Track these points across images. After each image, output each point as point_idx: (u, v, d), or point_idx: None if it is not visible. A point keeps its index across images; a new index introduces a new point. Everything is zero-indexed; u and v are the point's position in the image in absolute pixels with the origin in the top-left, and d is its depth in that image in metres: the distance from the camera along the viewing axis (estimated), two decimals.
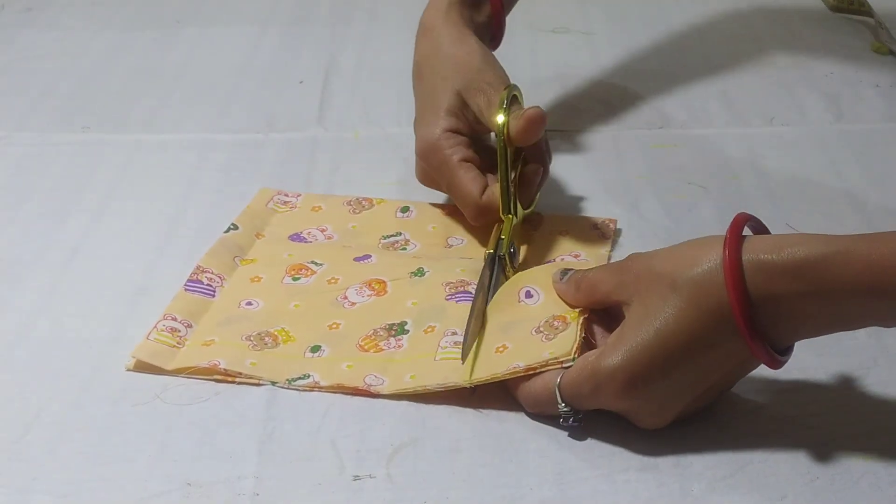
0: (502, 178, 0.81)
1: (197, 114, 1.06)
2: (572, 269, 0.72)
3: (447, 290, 0.77)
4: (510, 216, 0.81)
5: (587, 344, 0.68)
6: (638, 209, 0.90)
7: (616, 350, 0.64)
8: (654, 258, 0.67)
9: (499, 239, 0.79)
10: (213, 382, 0.72)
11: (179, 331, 0.75)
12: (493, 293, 0.75)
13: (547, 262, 0.82)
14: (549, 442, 0.67)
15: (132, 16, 1.29)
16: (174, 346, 0.74)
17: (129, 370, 0.73)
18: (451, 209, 0.88)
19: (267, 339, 0.75)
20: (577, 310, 0.70)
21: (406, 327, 0.75)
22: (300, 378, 0.72)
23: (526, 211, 0.83)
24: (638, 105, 1.06)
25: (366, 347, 0.74)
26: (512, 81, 0.85)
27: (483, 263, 0.78)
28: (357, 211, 0.90)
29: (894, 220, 0.88)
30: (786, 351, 0.65)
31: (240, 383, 0.72)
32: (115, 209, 0.91)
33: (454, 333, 0.73)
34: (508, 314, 0.73)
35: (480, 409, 0.69)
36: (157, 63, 1.18)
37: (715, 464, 0.65)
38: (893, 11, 1.22)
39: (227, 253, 0.83)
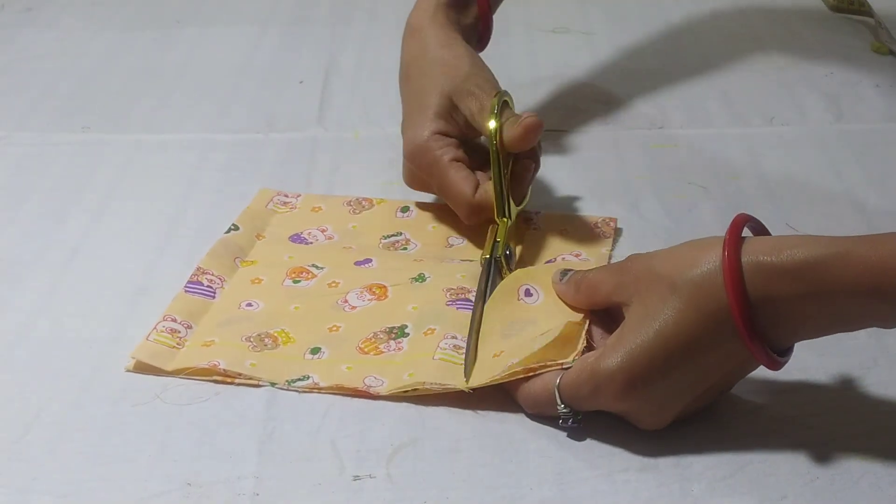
0: (496, 182, 0.81)
1: (197, 114, 1.06)
2: (572, 270, 0.72)
3: (448, 295, 0.77)
4: (505, 219, 0.80)
5: (587, 346, 0.68)
6: (638, 209, 0.90)
7: (615, 351, 0.64)
8: (653, 259, 0.67)
9: (494, 242, 0.79)
10: (212, 383, 0.72)
11: (179, 332, 0.75)
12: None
13: (547, 262, 0.82)
14: (549, 442, 0.67)
15: (132, 16, 1.29)
16: (174, 346, 0.74)
17: (128, 371, 0.73)
18: (451, 209, 0.88)
19: (267, 340, 0.75)
20: (578, 320, 0.69)
21: (406, 330, 0.75)
22: (300, 379, 0.72)
23: (519, 207, 0.83)
24: (638, 105, 1.06)
25: (366, 350, 0.74)
26: (506, 85, 0.85)
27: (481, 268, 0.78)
28: (357, 211, 0.90)
29: (894, 220, 0.88)
30: (785, 352, 0.65)
31: (239, 384, 0.72)
32: (115, 209, 0.91)
33: (454, 337, 0.73)
34: (507, 313, 0.73)
35: (480, 410, 0.69)
36: (157, 63, 1.18)
37: (715, 464, 0.65)
38: (893, 11, 1.22)
39: (227, 254, 0.83)
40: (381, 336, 0.75)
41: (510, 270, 0.78)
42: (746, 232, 0.66)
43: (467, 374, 0.70)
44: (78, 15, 1.29)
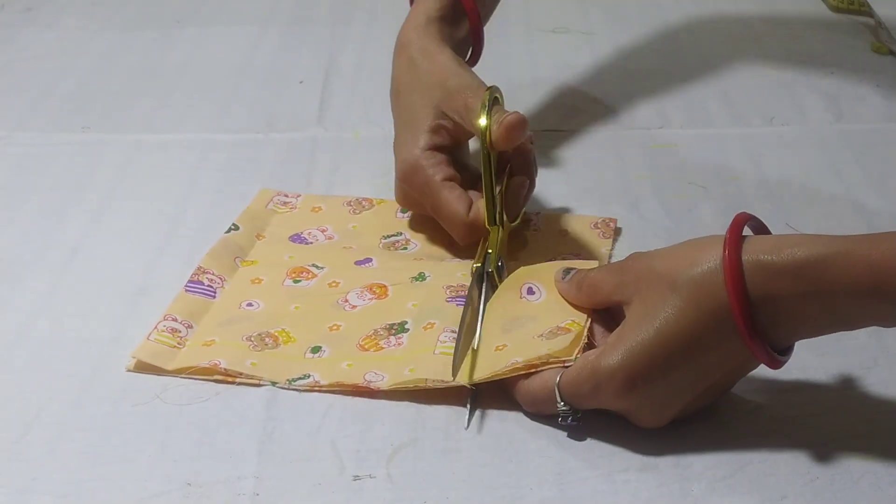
0: (487, 186, 0.79)
1: (197, 114, 1.06)
2: (574, 269, 0.72)
3: (448, 292, 0.77)
4: (496, 227, 0.79)
5: (587, 344, 0.68)
6: (638, 209, 0.90)
7: (616, 349, 0.64)
8: (654, 258, 0.67)
9: (486, 253, 0.78)
10: (213, 382, 0.72)
11: (180, 331, 0.75)
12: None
13: (547, 262, 0.82)
14: (549, 442, 0.67)
15: (132, 16, 1.29)
16: (174, 346, 0.74)
17: (129, 371, 0.73)
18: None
19: (267, 339, 0.75)
20: (580, 321, 0.69)
21: (406, 326, 0.75)
22: (300, 378, 0.72)
23: (513, 224, 0.82)
24: (638, 105, 1.06)
25: (366, 347, 0.74)
26: (506, 86, 0.84)
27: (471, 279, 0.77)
28: (357, 211, 0.90)
29: (894, 220, 0.88)
30: (786, 351, 0.65)
31: (240, 384, 0.72)
32: (115, 209, 0.91)
33: (453, 331, 0.73)
34: (509, 310, 0.73)
35: (480, 410, 0.69)
36: (157, 63, 1.18)
37: (715, 464, 0.65)
38: (893, 11, 1.22)
39: (227, 254, 0.83)
40: (381, 332, 0.75)
41: (501, 283, 0.77)
42: (747, 231, 0.66)
43: (454, 372, 0.69)
44: (78, 15, 1.29)
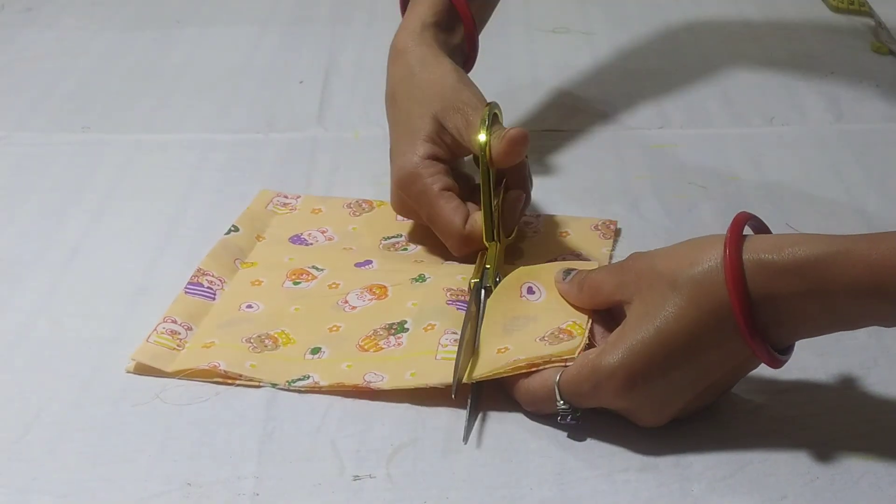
0: (485, 202, 0.78)
1: (197, 114, 1.07)
2: (575, 270, 0.72)
3: (448, 294, 0.77)
4: (494, 243, 0.78)
5: (587, 344, 0.68)
6: (638, 209, 0.90)
7: (616, 348, 0.64)
8: (655, 257, 0.67)
9: (483, 268, 0.77)
10: (213, 383, 0.72)
11: (179, 333, 0.75)
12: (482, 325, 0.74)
13: (547, 262, 0.82)
14: (549, 442, 0.67)
15: (132, 16, 1.29)
16: (174, 348, 0.74)
17: (128, 372, 0.73)
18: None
19: (267, 341, 0.75)
20: (582, 323, 0.69)
21: (406, 325, 0.75)
22: (300, 379, 0.72)
23: (508, 239, 0.81)
24: (638, 105, 1.06)
25: (366, 347, 0.74)
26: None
27: (469, 294, 0.76)
28: (357, 213, 0.90)
29: (894, 220, 0.88)
30: (786, 350, 0.65)
31: (239, 385, 0.72)
32: (115, 209, 0.91)
33: (454, 333, 0.73)
34: (510, 309, 0.72)
35: (480, 410, 0.69)
36: (157, 63, 1.18)
37: (715, 464, 0.65)
38: (893, 11, 1.22)
39: (227, 255, 0.83)
40: (381, 332, 0.75)
41: None
42: (748, 230, 0.66)
43: (454, 391, 0.68)
44: (78, 15, 1.29)
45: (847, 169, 0.96)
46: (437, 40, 0.87)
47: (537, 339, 0.69)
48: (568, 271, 0.72)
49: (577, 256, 0.83)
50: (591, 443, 0.67)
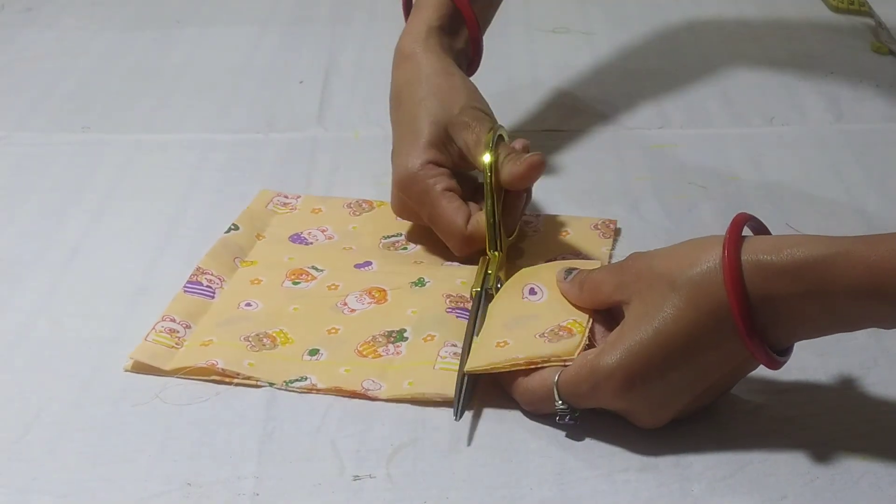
0: (489, 216, 0.79)
1: (197, 114, 1.07)
2: (576, 269, 0.72)
3: (447, 301, 0.77)
4: (497, 252, 0.79)
5: (587, 344, 0.68)
6: (638, 209, 0.90)
7: (615, 349, 0.64)
8: (654, 258, 0.67)
9: (486, 274, 0.77)
10: (212, 383, 0.72)
11: (178, 332, 0.75)
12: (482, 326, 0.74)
13: (547, 262, 0.82)
14: (549, 442, 0.67)
15: (132, 16, 1.29)
16: (172, 346, 0.74)
17: (127, 371, 0.73)
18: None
19: (265, 340, 0.75)
20: (583, 322, 0.69)
21: (405, 335, 0.75)
22: (298, 380, 0.72)
23: (510, 239, 0.81)
24: (638, 105, 1.06)
25: (364, 353, 0.74)
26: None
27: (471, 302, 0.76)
28: (357, 213, 0.90)
29: (894, 220, 0.88)
30: (785, 351, 0.65)
31: (237, 384, 0.72)
32: (115, 209, 0.91)
33: (454, 345, 0.73)
34: (511, 310, 0.72)
35: (480, 410, 0.69)
36: (157, 63, 1.18)
37: (715, 464, 0.65)
38: (893, 11, 1.22)
39: (227, 254, 0.83)
40: (380, 339, 0.75)
41: None
42: (747, 231, 0.66)
43: (457, 407, 0.68)
44: (78, 15, 1.29)
45: (847, 169, 0.96)
46: (443, 45, 0.87)
47: (537, 336, 0.69)
48: (569, 270, 0.72)
49: (577, 256, 0.83)
50: (591, 443, 0.67)
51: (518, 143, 0.81)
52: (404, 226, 0.88)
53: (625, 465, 0.65)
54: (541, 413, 0.68)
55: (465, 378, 0.69)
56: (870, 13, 1.22)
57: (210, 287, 0.80)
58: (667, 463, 0.65)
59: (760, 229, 0.67)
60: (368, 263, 0.83)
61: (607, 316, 0.70)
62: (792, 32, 1.21)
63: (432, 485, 0.64)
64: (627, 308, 0.66)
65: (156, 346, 0.74)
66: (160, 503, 0.63)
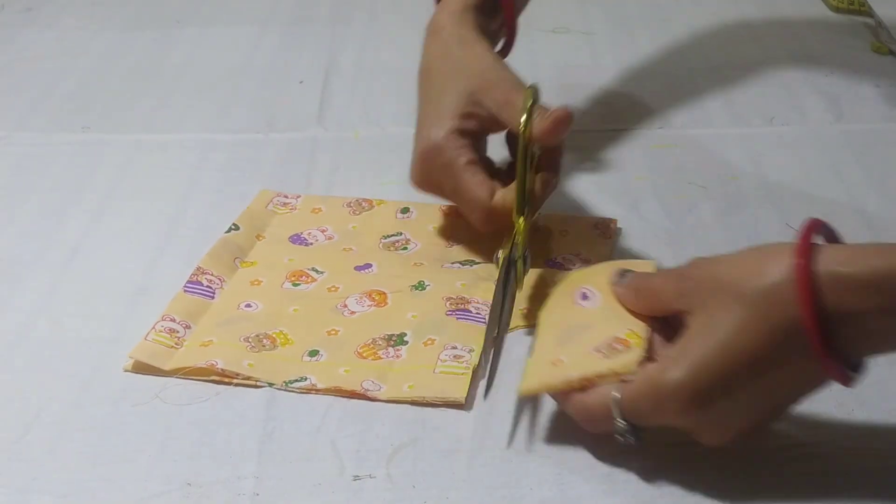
0: (520, 177, 0.77)
1: (197, 114, 1.07)
2: (630, 271, 0.69)
3: (448, 304, 0.77)
4: (523, 219, 0.77)
5: (647, 357, 0.65)
6: (638, 209, 0.90)
7: (678, 364, 0.60)
8: (718, 265, 0.63)
9: (513, 243, 0.76)
10: (212, 383, 0.72)
11: (178, 331, 0.75)
12: (509, 299, 0.73)
13: (547, 262, 0.82)
14: (549, 442, 0.67)
15: (132, 16, 1.29)
16: (172, 346, 0.74)
17: (126, 371, 0.73)
18: (452, 210, 0.88)
19: (265, 340, 0.75)
20: (640, 332, 0.66)
21: (405, 338, 0.75)
22: (297, 380, 0.72)
23: (532, 218, 0.80)
24: (638, 105, 1.06)
25: (364, 355, 0.74)
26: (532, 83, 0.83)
27: (497, 268, 0.75)
28: (357, 212, 0.90)
29: (894, 220, 0.88)
30: (858, 366, 0.60)
31: (237, 384, 0.72)
32: (115, 209, 0.91)
33: (454, 348, 0.73)
34: (564, 318, 0.69)
35: (481, 410, 0.69)
36: (157, 63, 1.18)
37: (717, 463, 0.65)
38: (893, 11, 1.22)
39: (227, 254, 0.83)
40: (380, 342, 0.75)
41: (525, 271, 0.76)
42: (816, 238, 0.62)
43: (488, 385, 0.69)
44: (78, 15, 1.29)
45: (847, 169, 0.96)
46: (477, 23, 0.86)
47: (592, 350, 0.65)
48: (623, 273, 0.68)
49: (578, 256, 0.83)
50: (591, 443, 0.67)
51: (556, 108, 0.79)
52: (404, 225, 0.88)
53: (625, 465, 0.65)
54: (599, 431, 0.65)
55: (492, 357, 0.69)
56: (870, 13, 1.22)
57: (210, 287, 0.80)
58: (667, 463, 0.65)
59: (831, 237, 0.63)
60: (369, 265, 0.83)
61: (664, 324, 0.66)
62: (792, 32, 1.21)
63: (432, 485, 0.64)
64: (690, 318, 0.62)
65: (156, 345, 0.74)
66: (160, 503, 0.63)
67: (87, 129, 1.04)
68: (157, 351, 0.73)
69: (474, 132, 0.82)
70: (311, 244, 0.86)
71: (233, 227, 0.86)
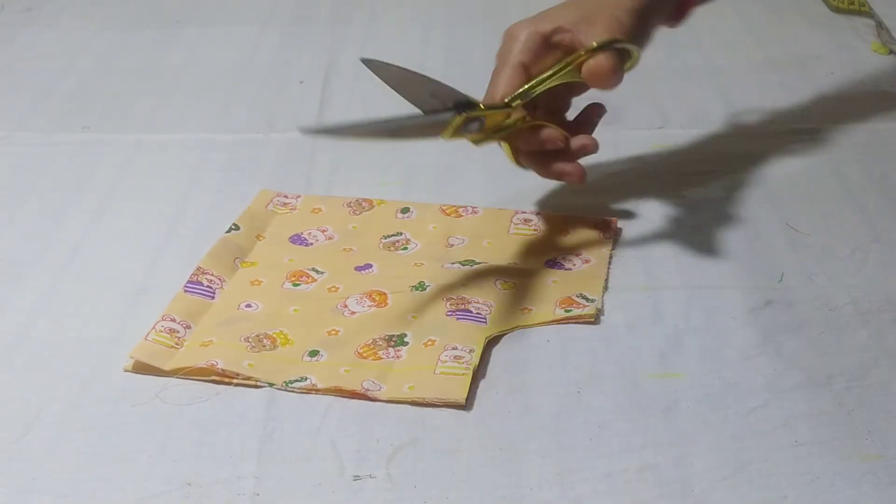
0: (544, 73, 0.81)
1: (197, 114, 1.07)
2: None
3: (448, 305, 0.77)
4: (516, 105, 0.80)
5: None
6: (638, 209, 0.90)
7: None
8: None
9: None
10: (212, 383, 0.72)
11: (178, 332, 0.75)
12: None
13: (547, 262, 0.82)
14: (549, 442, 0.67)
15: (132, 16, 1.29)
16: (172, 346, 0.74)
17: (126, 371, 0.73)
18: (452, 209, 0.88)
19: (265, 341, 0.75)
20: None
21: (406, 339, 0.75)
22: (297, 380, 0.72)
23: (521, 116, 0.82)
24: (638, 105, 1.06)
25: (364, 355, 0.74)
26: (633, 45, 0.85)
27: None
28: (357, 212, 0.90)
29: (894, 220, 0.88)
30: None
31: (237, 384, 0.72)
32: (115, 209, 0.91)
33: (454, 348, 0.73)
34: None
35: (480, 410, 0.69)
36: (157, 63, 1.18)
37: (715, 464, 0.65)
38: (893, 11, 1.22)
39: (227, 254, 0.83)
40: (381, 343, 0.75)
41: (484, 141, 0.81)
42: None
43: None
44: (78, 15, 1.29)
45: (847, 169, 0.96)
46: None
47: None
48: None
49: (578, 256, 0.83)
50: (591, 443, 0.67)
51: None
52: (404, 225, 0.88)
53: (625, 465, 0.65)
54: None
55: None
56: (870, 13, 1.22)
57: (210, 287, 0.80)
58: (667, 463, 0.65)
59: None
60: (369, 266, 0.83)
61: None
62: (792, 32, 1.21)
63: (432, 485, 0.64)
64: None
65: (156, 345, 0.74)
66: (160, 503, 0.63)
67: (87, 129, 1.04)
68: (158, 351, 0.73)
69: (561, 45, 0.83)
70: (312, 244, 0.86)
71: (233, 227, 0.86)
